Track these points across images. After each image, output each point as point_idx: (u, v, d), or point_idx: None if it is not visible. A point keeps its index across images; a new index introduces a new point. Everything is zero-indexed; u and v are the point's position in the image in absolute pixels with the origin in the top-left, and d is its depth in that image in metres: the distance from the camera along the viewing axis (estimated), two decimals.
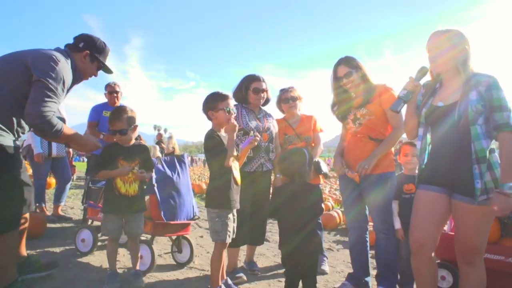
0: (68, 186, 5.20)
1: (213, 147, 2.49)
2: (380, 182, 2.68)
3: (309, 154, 2.36)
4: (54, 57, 2.25)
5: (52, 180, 7.34)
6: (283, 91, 3.44)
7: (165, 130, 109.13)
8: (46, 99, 2.14)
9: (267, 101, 3.29)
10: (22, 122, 2.28)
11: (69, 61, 2.39)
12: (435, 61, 2.09)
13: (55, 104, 2.20)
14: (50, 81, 2.17)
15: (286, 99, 3.39)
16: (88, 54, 2.49)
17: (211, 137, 2.51)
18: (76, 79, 2.50)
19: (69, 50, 2.46)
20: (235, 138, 2.51)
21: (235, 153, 2.59)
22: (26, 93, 2.16)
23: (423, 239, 2.05)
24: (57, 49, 2.41)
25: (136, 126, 2.78)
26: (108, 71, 2.72)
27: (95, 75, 2.64)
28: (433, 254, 2.11)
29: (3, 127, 2.19)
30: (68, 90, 2.43)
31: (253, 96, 3.14)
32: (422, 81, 2.22)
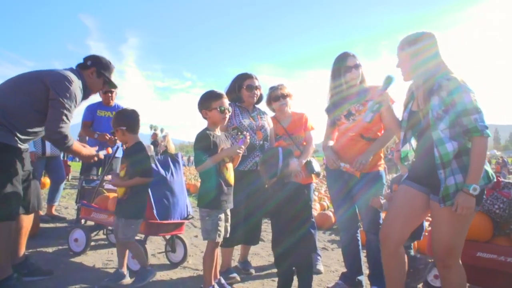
0: (62, 185, 5.15)
1: (199, 150, 2.49)
2: (373, 181, 2.68)
3: (284, 151, 2.37)
4: (69, 78, 2.58)
5: (46, 180, 7.29)
6: (273, 89, 3.38)
7: (162, 130, 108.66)
8: (63, 117, 2.49)
9: (260, 98, 3.27)
10: (34, 130, 2.58)
11: (80, 81, 2.70)
12: (401, 71, 2.16)
13: (69, 120, 2.54)
14: (66, 100, 2.51)
15: (277, 96, 3.32)
16: (95, 70, 2.79)
17: (201, 139, 2.51)
18: (86, 95, 2.83)
19: (79, 69, 2.78)
20: (226, 150, 2.52)
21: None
22: (42, 107, 2.50)
23: (390, 232, 2.11)
24: (71, 69, 2.73)
25: (119, 129, 2.76)
26: (112, 86, 3.03)
27: (102, 90, 2.95)
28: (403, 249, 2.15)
29: (15, 132, 2.46)
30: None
31: (246, 93, 3.13)
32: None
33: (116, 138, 2.84)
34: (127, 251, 2.83)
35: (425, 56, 2.02)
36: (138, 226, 2.79)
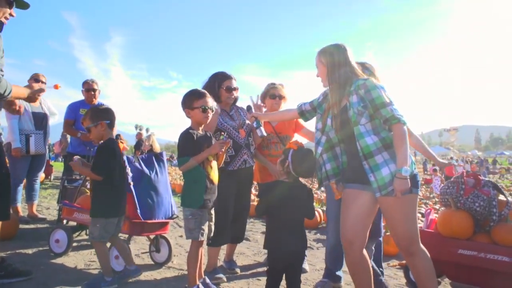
0: (37, 182, 4.92)
1: (182, 150, 2.48)
2: None
3: None
4: None
5: None
6: (273, 86, 3.41)
7: (147, 130, 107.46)
8: None
9: (235, 100, 3.24)
10: None
11: None
12: (321, 79, 2.32)
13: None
14: None
15: (273, 95, 3.37)
16: None
17: (184, 139, 2.49)
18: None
19: None
20: (208, 149, 2.48)
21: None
22: None
23: (353, 238, 2.16)
24: None
25: (104, 122, 2.68)
26: (23, 5, 2.45)
27: (13, 15, 2.40)
28: (364, 251, 2.19)
29: None
30: None
31: (225, 94, 3.10)
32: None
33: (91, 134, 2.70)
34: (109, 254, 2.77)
35: (339, 65, 2.21)
36: (109, 225, 2.63)
